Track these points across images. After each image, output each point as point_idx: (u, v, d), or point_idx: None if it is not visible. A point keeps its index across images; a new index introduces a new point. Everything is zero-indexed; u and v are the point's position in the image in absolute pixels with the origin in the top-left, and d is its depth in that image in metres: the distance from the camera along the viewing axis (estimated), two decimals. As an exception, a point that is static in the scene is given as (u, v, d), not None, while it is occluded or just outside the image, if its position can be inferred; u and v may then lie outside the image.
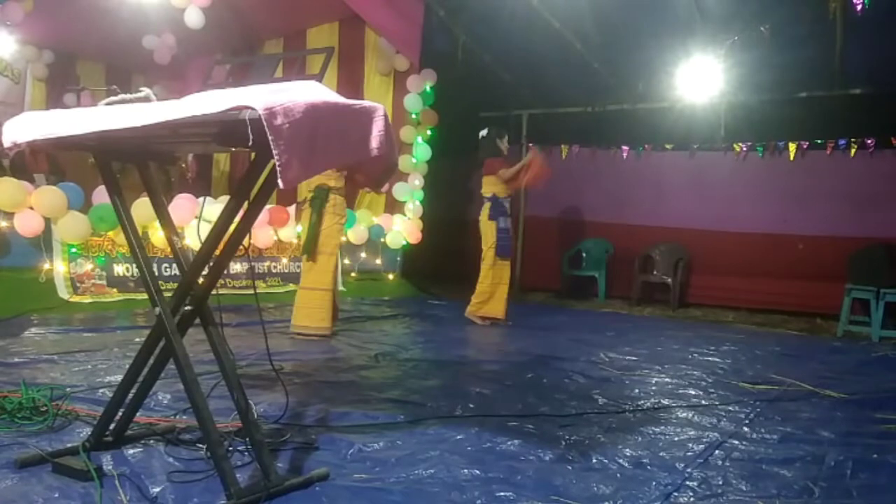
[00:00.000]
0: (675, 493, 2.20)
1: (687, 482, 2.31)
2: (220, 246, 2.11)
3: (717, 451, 2.66)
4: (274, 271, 6.84)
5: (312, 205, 4.87)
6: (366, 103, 1.97)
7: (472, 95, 8.65)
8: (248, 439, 2.19)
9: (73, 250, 5.47)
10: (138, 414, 2.41)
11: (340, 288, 5.02)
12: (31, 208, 5.17)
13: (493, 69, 8.26)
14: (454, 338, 5.23)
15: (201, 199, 5.11)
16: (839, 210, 7.41)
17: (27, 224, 5.14)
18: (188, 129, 1.90)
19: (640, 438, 2.78)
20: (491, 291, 6.07)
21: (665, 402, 3.44)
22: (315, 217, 4.85)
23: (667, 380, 4.00)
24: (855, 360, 5.04)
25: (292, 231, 6.80)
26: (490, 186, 6.11)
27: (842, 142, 7.46)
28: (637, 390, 3.70)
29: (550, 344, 5.05)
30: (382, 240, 7.64)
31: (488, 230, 6.07)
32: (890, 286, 6.13)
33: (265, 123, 1.61)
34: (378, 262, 7.70)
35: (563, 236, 8.86)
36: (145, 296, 2.18)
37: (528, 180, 6.06)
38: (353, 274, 7.39)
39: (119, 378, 2.38)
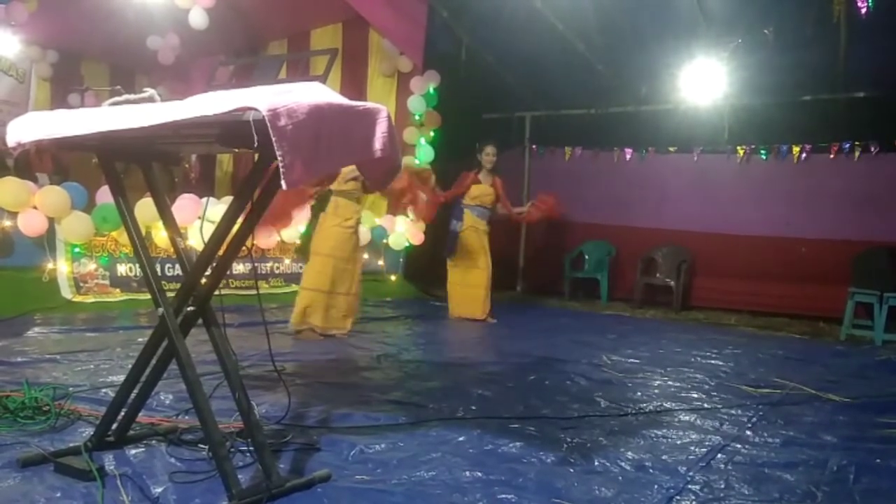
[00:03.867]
0: (678, 497, 2.20)
1: (689, 486, 2.30)
2: (223, 246, 2.11)
3: (719, 455, 2.65)
4: (276, 272, 6.84)
5: (312, 209, 4.88)
6: (369, 105, 1.97)
7: (475, 97, 8.65)
8: (249, 440, 2.19)
9: (77, 250, 5.48)
10: (140, 414, 2.41)
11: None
12: (35, 208, 5.17)
13: (496, 71, 8.26)
14: (456, 339, 5.24)
15: (204, 199, 5.12)
16: (842, 213, 7.40)
17: (31, 224, 5.15)
18: (192, 130, 1.90)
19: (642, 441, 2.78)
20: (449, 292, 6.44)
21: (667, 405, 3.44)
22: (311, 220, 4.89)
23: (669, 383, 3.99)
24: (858, 364, 5.02)
25: (295, 232, 6.80)
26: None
27: (846, 145, 7.45)
28: (639, 393, 3.69)
29: (552, 346, 5.04)
30: (385, 241, 7.64)
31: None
32: (893, 290, 6.10)
33: (269, 124, 1.61)
34: (380, 263, 7.69)
35: (565, 238, 8.85)
36: (148, 296, 2.19)
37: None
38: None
39: (121, 378, 2.38)
